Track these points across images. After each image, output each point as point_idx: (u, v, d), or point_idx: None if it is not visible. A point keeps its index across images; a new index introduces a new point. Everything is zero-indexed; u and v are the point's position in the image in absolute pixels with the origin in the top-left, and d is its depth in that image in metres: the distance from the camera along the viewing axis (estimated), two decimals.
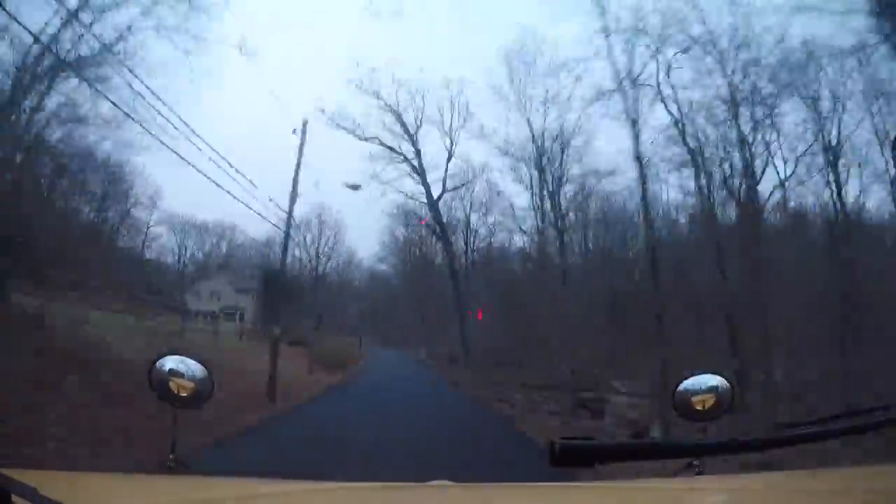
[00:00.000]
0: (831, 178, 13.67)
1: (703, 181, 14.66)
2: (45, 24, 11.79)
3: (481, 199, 28.18)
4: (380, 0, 30.20)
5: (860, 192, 14.11)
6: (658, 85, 14.83)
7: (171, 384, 1.47)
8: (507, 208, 25.73)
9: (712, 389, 1.47)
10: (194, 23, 15.40)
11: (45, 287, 12.58)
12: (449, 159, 26.76)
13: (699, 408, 1.46)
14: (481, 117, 27.35)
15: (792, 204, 14.87)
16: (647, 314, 12.82)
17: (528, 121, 20.87)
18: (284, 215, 14.23)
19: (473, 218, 29.34)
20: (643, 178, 13.98)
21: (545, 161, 20.83)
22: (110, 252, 28.09)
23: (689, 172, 15.08)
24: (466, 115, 25.32)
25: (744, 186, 14.31)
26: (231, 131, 32.73)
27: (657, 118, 15.39)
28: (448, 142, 26.54)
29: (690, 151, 14.60)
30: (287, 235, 15.03)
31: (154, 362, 1.49)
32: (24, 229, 10.95)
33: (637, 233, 18.85)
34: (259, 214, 14.06)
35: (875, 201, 14.39)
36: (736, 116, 13.65)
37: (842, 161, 13.69)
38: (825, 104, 13.62)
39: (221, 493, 1.19)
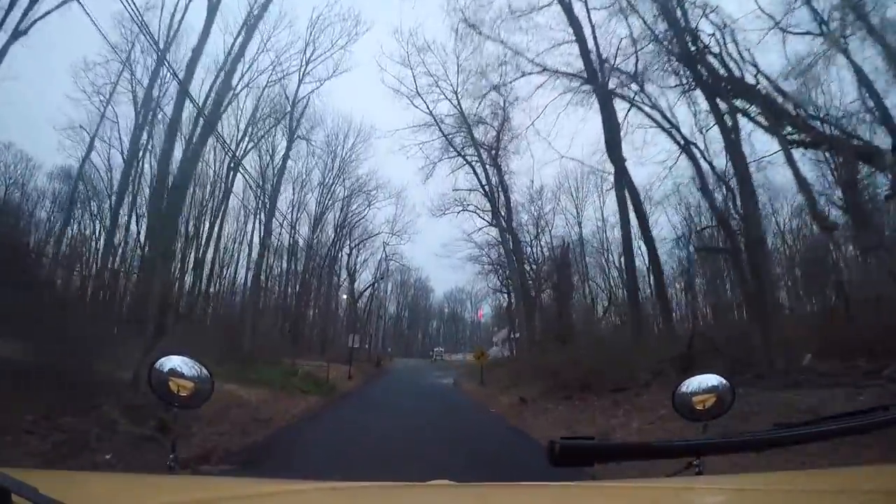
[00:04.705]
0: None
1: None
2: None
3: None
4: None
5: None
6: None
7: (171, 384, 1.48)
8: None
9: (712, 389, 1.47)
10: None
11: None
12: None
13: (699, 408, 1.46)
14: None
15: None
16: None
17: None
18: None
19: None
20: None
21: None
22: None
23: None
24: None
25: None
26: None
27: None
28: None
29: None
30: None
31: (154, 363, 1.49)
32: None
33: None
34: None
35: None
36: None
37: None
38: None
39: (221, 493, 1.19)
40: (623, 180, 17.45)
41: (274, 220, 25.02)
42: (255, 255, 25.30)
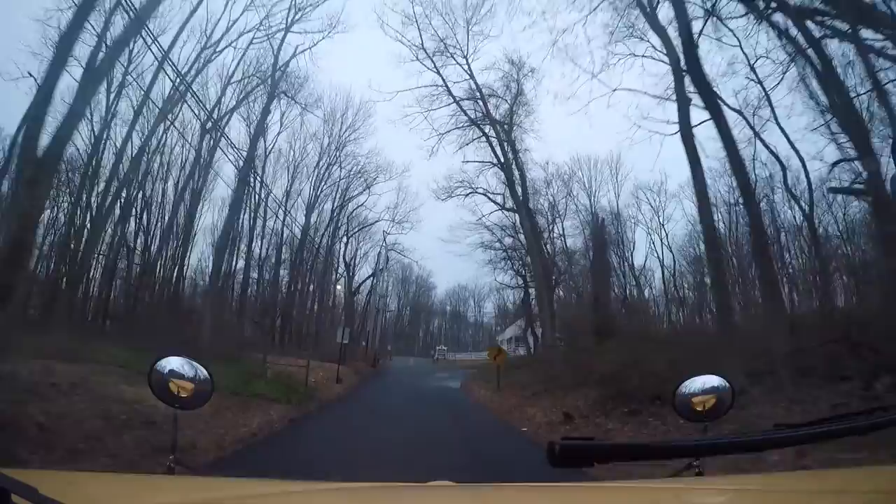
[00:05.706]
0: None
1: None
2: None
3: None
4: None
5: None
6: None
7: (171, 385, 1.48)
8: None
9: (712, 390, 1.47)
10: None
11: None
12: None
13: (699, 408, 1.46)
14: None
15: None
16: None
17: None
18: None
19: None
20: None
21: None
22: None
23: None
24: None
25: None
26: None
27: None
28: None
29: None
30: None
31: (154, 363, 1.50)
32: None
33: None
34: None
35: None
36: None
37: None
38: None
39: (221, 493, 1.19)
40: (704, 94, 11.24)
41: (252, 188, 21.90)
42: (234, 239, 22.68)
